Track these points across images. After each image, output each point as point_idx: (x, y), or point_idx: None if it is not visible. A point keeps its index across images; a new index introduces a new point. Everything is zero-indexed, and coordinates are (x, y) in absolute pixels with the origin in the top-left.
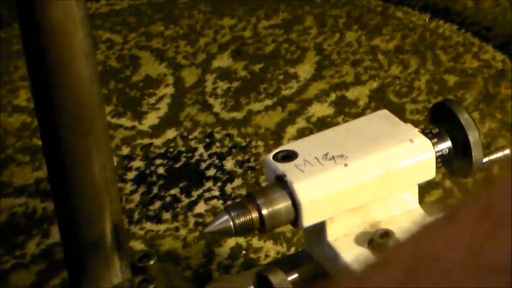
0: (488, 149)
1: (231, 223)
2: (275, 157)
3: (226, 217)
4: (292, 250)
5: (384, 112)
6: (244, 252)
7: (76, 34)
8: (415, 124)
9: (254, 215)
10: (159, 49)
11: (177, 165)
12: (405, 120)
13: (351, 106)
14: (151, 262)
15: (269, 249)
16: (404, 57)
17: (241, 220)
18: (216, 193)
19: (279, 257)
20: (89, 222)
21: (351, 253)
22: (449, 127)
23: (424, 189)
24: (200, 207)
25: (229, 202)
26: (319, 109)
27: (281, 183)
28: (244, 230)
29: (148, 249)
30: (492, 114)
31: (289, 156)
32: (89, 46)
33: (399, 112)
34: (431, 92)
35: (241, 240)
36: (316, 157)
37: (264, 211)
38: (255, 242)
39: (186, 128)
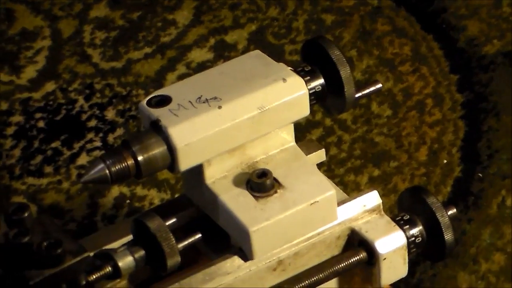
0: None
1: (107, 171)
2: (149, 103)
3: (101, 165)
4: (177, 196)
5: (257, 52)
6: (128, 201)
7: None
8: (294, 64)
9: (130, 162)
10: (34, 2)
11: (58, 118)
12: (285, 61)
13: (231, 50)
14: (26, 214)
15: (154, 197)
16: None
17: (117, 167)
18: (98, 144)
19: (159, 204)
20: None
21: (230, 195)
22: (321, 64)
23: (305, 129)
24: (82, 159)
25: None
26: (199, 55)
27: (156, 128)
28: (120, 177)
29: (22, 201)
30: (370, 51)
31: (163, 101)
32: None
33: (278, 54)
34: (309, 32)
35: (125, 189)
36: (190, 101)
37: (140, 158)
38: (139, 190)
39: (65, 80)
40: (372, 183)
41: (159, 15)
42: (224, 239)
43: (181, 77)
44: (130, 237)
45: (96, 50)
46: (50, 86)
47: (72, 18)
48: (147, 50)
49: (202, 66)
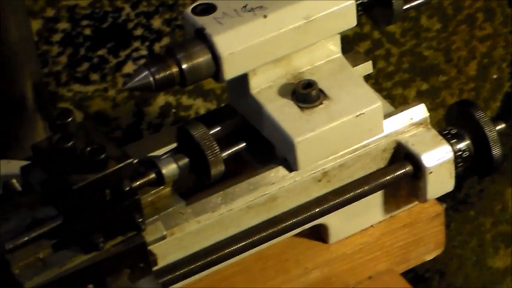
0: None
1: (151, 78)
2: (193, 11)
3: (145, 72)
4: (221, 106)
5: None
6: (174, 110)
7: None
8: None
9: (174, 69)
10: None
11: (104, 26)
12: None
13: None
14: (69, 120)
15: (199, 107)
16: None
17: (161, 75)
18: (144, 52)
19: (204, 113)
20: (8, 83)
21: (275, 105)
22: None
23: (353, 41)
24: (129, 67)
25: None
26: None
27: (201, 36)
28: (164, 85)
29: (66, 107)
30: None
31: (208, 9)
32: None
33: None
34: None
35: (171, 99)
36: (235, 9)
37: (184, 65)
38: (185, 100)
39: None
40: (420, 97)
41: None
42: (269, 149)
43: None
44: (174, 145)
45: None
46: None
47: None
48: None
49: None
